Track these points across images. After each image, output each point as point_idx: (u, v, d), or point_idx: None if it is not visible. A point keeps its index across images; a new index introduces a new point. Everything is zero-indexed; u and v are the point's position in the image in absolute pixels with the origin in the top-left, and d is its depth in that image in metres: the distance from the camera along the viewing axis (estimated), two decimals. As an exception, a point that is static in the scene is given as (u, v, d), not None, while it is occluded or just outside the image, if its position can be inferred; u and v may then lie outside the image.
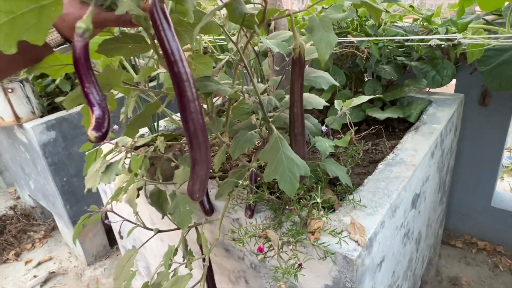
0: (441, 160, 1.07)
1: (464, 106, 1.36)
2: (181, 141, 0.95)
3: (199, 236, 0.73)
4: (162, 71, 0.68)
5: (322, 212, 0.57)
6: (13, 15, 0.38)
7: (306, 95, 0.80)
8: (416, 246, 0.99)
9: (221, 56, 0.78)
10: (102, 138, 0.43)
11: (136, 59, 0.82)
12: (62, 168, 1.67)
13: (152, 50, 0.60)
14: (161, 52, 0.48)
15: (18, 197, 2.57)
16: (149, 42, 0.58)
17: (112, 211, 0.75)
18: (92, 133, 0.41)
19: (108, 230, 1.99)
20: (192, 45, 0.69)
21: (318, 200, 0.58)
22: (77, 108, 1.69)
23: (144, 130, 1.17)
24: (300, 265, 0.52)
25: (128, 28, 0.66)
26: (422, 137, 0.95)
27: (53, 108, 1.97)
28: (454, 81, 1.48)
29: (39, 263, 1.97)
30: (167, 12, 0.44)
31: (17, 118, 1.55)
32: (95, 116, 0.42)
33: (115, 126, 0.94)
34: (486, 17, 1.22)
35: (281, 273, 0.50)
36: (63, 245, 2.10)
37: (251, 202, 0.66)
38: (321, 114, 1.31)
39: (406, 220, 0.81)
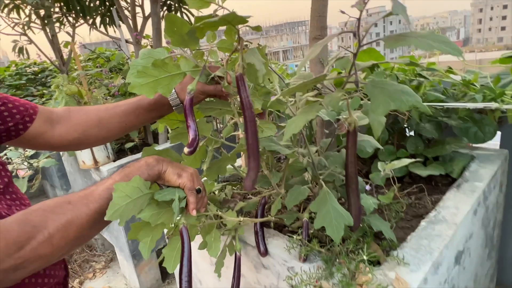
0: (486, 217, 1.10)
1: (510, 161, 1.38)
2: (243, 192, 1.10)
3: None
4: (238, 133, 0.87)
5: (367, 269, 0.66)
6: (156, 78, 0.68)
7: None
8: (463, 302, 1.01)
9: (282, 124, 0.94)
10: (191, 153, 0.67)
11: (218, 124, 1.01)
12: (128, 206, 1.89)
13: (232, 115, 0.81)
14: (238, 114, 0.77)
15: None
16: (231, 108, 0.81)
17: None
18: (186, 149, 0.66)
19: (161, 265, 2.15)
20: (259, 109, 0.87)
21: (365, 257, 0.67)
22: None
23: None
24: (351, 313, 0.61)
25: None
26: (464, 195, 1.01)
27: (120, 150, 2.25)
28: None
29: (99, 292, 2.15)
30: (246, 80, 0.69)
31: (96, 162, 1.81)
32: (191, 138, 0.67)
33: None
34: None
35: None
36: (120, 276, 2.29)
37: (302, 255, 0.77)
38: (365, 166, 1.40)
39: (450, 276, 0.86)
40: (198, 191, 0.71)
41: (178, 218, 0.70)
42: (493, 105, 0.94)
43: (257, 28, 0.69)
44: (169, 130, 0.88)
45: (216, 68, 0.77)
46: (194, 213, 0.70)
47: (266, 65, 0.82)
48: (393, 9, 0.53)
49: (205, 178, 0.97)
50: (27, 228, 0.48)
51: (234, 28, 0.67)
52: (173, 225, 0.82)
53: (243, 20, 0.63)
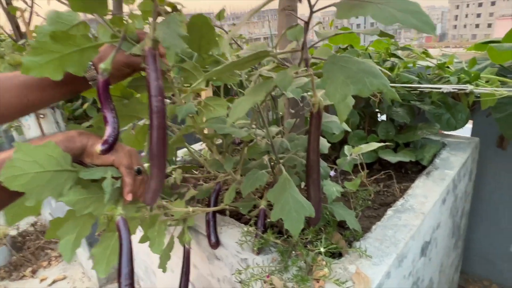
0: (454, 206, 1.06)
1: (481, 149, 1.35)
2: (197, 176, 0.99)
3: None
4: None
5: (324, 263, 0.59)
6: (61, 54, 0.53)
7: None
8: (427, 294, 0.97)
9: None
10: (105, 152, 0.54)
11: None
12: (83, 190, 1.74)
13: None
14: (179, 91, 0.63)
15: (39, 214, 2.66)
16: (169, 84, 0.66)
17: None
18: (98, 147, 0.53)
19: (122, 253, 2.03)
20: (202, 86, 0.73)
21: (322, 249, 0.59)
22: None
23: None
24: (302, 314, 0.53)
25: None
26: (433, 183, 0.95)
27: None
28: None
29: (53, 282, 2.01)
30: (157, 57, 0.55)
31: (46, 141, 1.64)
32: (106, 134, 0.54)
33: (142, 153, 0.99)
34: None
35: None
36: (78, 265, 2.15)
37: (255, 248, 0.69)
38: (334, 152, 1.33)
39: (415, 269, 0.80)
40: (138, 172, 0.59)
41: (113, 206, 0.58)
42: (468, 87, 0.88)
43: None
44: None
45: (145, 35, 0.61)
46: (129, 197, 0.57)
47: (211, 33, 0.68)
48: (338, 14, 0.45)
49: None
50: None
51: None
52: (105, 219, 0.70)
53: None
